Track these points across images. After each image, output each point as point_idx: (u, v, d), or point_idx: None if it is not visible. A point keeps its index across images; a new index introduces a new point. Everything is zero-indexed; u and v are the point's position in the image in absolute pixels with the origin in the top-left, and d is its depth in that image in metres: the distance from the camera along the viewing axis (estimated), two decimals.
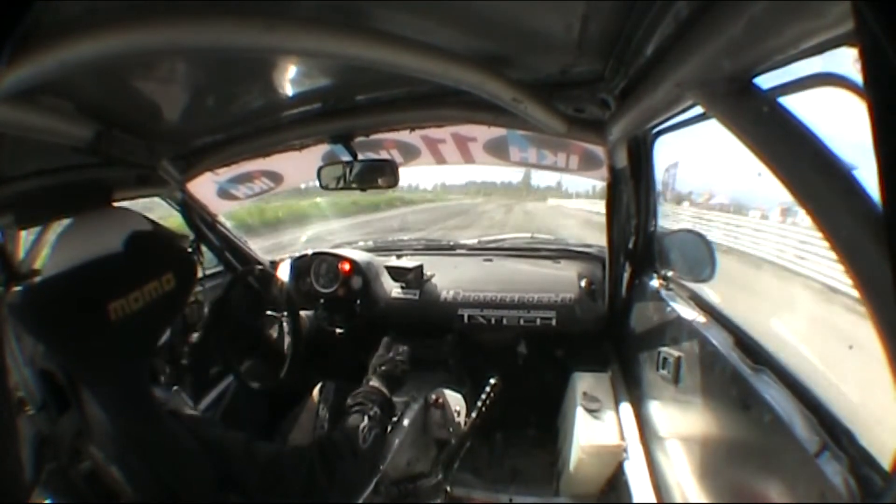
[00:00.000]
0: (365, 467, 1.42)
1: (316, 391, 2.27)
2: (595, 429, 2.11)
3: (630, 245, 2.26)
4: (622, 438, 2.05)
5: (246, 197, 3.43)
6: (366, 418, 1.43)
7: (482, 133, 2.96)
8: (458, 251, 3.33)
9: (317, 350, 2.76)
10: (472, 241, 3.42)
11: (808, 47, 0.68)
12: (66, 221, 1.11)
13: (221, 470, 1.09)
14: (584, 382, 2.36)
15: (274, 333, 2.31)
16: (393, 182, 2.05)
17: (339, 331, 2.90)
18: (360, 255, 3.01)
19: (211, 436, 1.13)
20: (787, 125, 0.76)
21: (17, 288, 1.42)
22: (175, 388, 1.56)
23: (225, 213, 2.92)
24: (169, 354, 1.95)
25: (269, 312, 2.35)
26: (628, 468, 1.96)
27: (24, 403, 1.25)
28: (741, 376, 1.23)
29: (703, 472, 1.50)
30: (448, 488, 2.15)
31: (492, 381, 2.15)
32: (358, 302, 2.86)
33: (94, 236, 1.02)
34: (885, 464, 0.82)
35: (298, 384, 2.29)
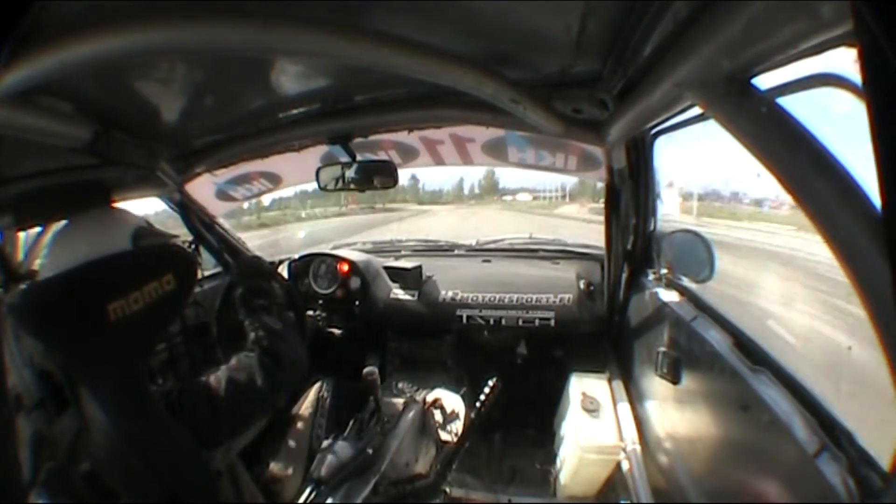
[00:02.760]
0: (294, 341, 1.50)
1: (314, 389, 2.27)
2: (593, 429, 2.12)
3: (629, 245, 2.26)
4: (620, 439, 2.05)
5: (244, 198, 3.42)
6: (262, 314, 1.51)
7: (481, 134, 2.95)
8: (457, 252, 3.33)
9: (316, 350, 2.76)
10: (471, 242, 3.42)
11: (807, 47, 0.69)
12: (64, 222, 1.11)
13: (211, 409, 1.15)
14: (582, 383, 2.37)
15: None
16: (391, 183, 2.05)
17: (337, 331, 2.90)
18: (358, 256, 3.01)
19: (193, 392, 1.18)
20: (786, 125, 0.76)
21: (17, 288, 1.42)
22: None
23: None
24: (168, 354, 1.94)
25: None
26: (626, 468, 1.96)
27: (21, 402, 1.25)
28: (740, 377, 1.23)
29: (701, 473, 1.50)
30: (447, 489, 2.15)
31: (490, 381, 2.15)
32: (357, 303, 2.86)
33: (99, 236, 1.02)
34: (884, 464, 0.82)
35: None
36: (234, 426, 1.20)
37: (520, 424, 2.94)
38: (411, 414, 2.14)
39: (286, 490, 1.86)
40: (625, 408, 2.19)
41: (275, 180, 3.39)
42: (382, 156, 2.86)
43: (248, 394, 1.22)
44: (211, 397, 1.17)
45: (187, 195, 2.26)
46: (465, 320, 2.72)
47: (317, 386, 2.27)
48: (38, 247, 1.59)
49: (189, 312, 2.20)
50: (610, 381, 2.41)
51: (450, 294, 2.78)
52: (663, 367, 1.75)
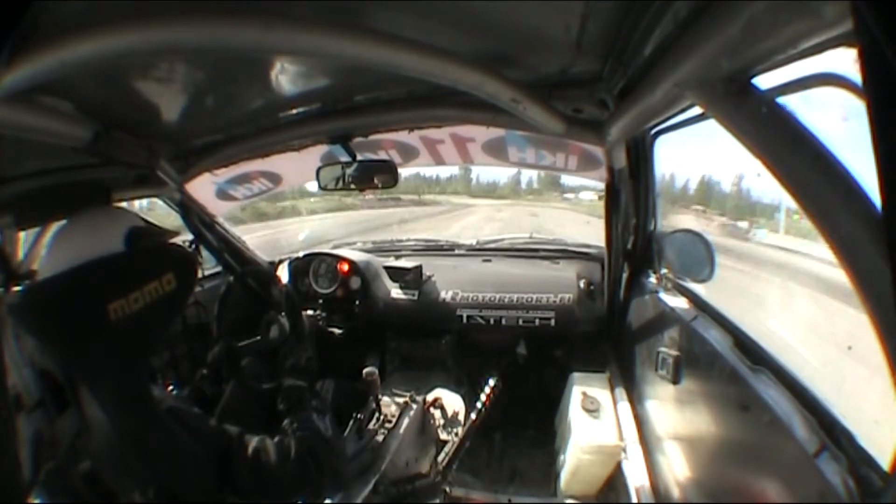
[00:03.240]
0: (338, 453, 1.42)
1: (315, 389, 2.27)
2: (593, 429, 2.12)
3: (629, 245, 2.26)
4: (620, 439, 2.05)
5: (245, 198, 3.42)
6: (314, 414, 1.43)
7: (481, 133, 2.95)
8: (457, 252, 3.33)
9: (316, 350, 2.76)
10: (471, 242, 3.42)
11: (807, 47, 0.68)
12: (63, 222, 1.11)
13: (220, 463, 1.09)
14: (582, 383, 2.36)
15: (274, 333, 2.30)
16: (391, 182, 2.05)
17: (338, 331, 2.90)
18: (358, 256, 3.01)
19: (208, 429, 1.14)
20: (786, 125, 0.76)
21: (17, 288, 1.42)
22: (171, 388, 1.56)
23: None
24: (168, 354, 1.95)
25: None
26: (627, 468, 1.96)
27: (22, 402, 1.25)
28: (740, 377, 1.23)
29: (702, 473, 1.50)
30: (447, 488, 2.15)
31: (491, 381, 2.15)
32: (357, 302, 2.86)
33: (93, 236, 1.02)
34: (884, 464, 0.82)
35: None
36: (244, 496, 1.15)
37: (520, 424, 2.94)
38: (411, 414, 2.15)
39: None
40: (625, 408, 2.19)
41: (275, 179, 3.40)
42: (383, 155, 2.86)
43: (270, 480, 1.18)
44: (232, 456, 1.13)
45: (187, 195, 2.27)
46: (465, 320, 2.72)
47: (318, 384, 2.27)
48: (38, 247, 1.59)
49: (190, 312, 2.20)
50: (610, 380, 2.41)
51: (450, 294, 2.78)
52: (663, 366, 1.75)
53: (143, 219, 1.13)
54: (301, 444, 1.27)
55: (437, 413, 2.29)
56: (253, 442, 1.18)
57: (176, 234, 1.27)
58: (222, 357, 1.74)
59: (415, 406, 2.20)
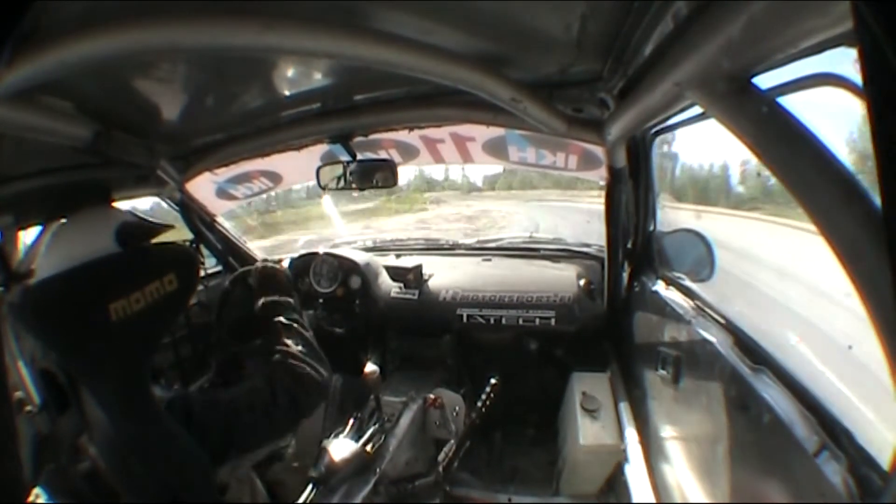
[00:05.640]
0: (317, 364, 1.42)
1: None
2: (594, 429, 2.11)
3: (629, 244, 2.26)
4: (621, 438, 2.05)
5: (245, 197, 3.42)
6: (292, 338, 1.44)
7: (481, 133, 2.95)
8: (457, 251, 3.33)
9: None
10: (471, 241, 3.42)
11: (808, 47, 0.68)
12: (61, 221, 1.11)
13: (226, 431, 1.13)
14: (583, 382, 2.36)
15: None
16: (392, 182, 2.05)
17: (338, 330, 2.89)
18: (359, 255, 3.01)
19: (206, 405, 1.17)
20: (787, 125, 0.76)
21: (17, 287, 1.42)
22: (176, 387, 1.56)
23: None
24: (169, 354, 1.95)
25: None
26: (627, 468, 1.96)
27: (23, 403, 1.25)
28: (740, 376, 1.23)
29: (702, 472, 1.50)
30: (447, 488, 2.15)
31: (491, 380, 2.15)
32: (357, 302, 2.86)
33: (85, 237, 1.02)
34: (884, 463, 0.82)
35: None
36: (246, 445, 1.19)
37: (520, 424, 2.93)
38: (411, 413, 2.15)
39: (290, 488, 1.86)
40: (625, 407, 2.19)
41: (275, 179, 3.40)
42: (383, 154, 2.86)
43: (267, 416, 1.21)
44: (227, 413, 1.16)
45: (188, 194, 2.27)
46: (465, 319, 2.71)
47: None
48: (39, 247, 1.59)
49: (194, 313, 2.20)
50: (611, 380, 2.40)
51: (450, 293, 2.77)
52: (664, 366, 1.75)
53: (134, 214, 1.13)
54: (284, 373, 1.31)
55: (437, 412, 2.29)
56: (235, 393, 1.22)
57: (170, 227, 1.26)
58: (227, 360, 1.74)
59: (415, 405, 2.20)
